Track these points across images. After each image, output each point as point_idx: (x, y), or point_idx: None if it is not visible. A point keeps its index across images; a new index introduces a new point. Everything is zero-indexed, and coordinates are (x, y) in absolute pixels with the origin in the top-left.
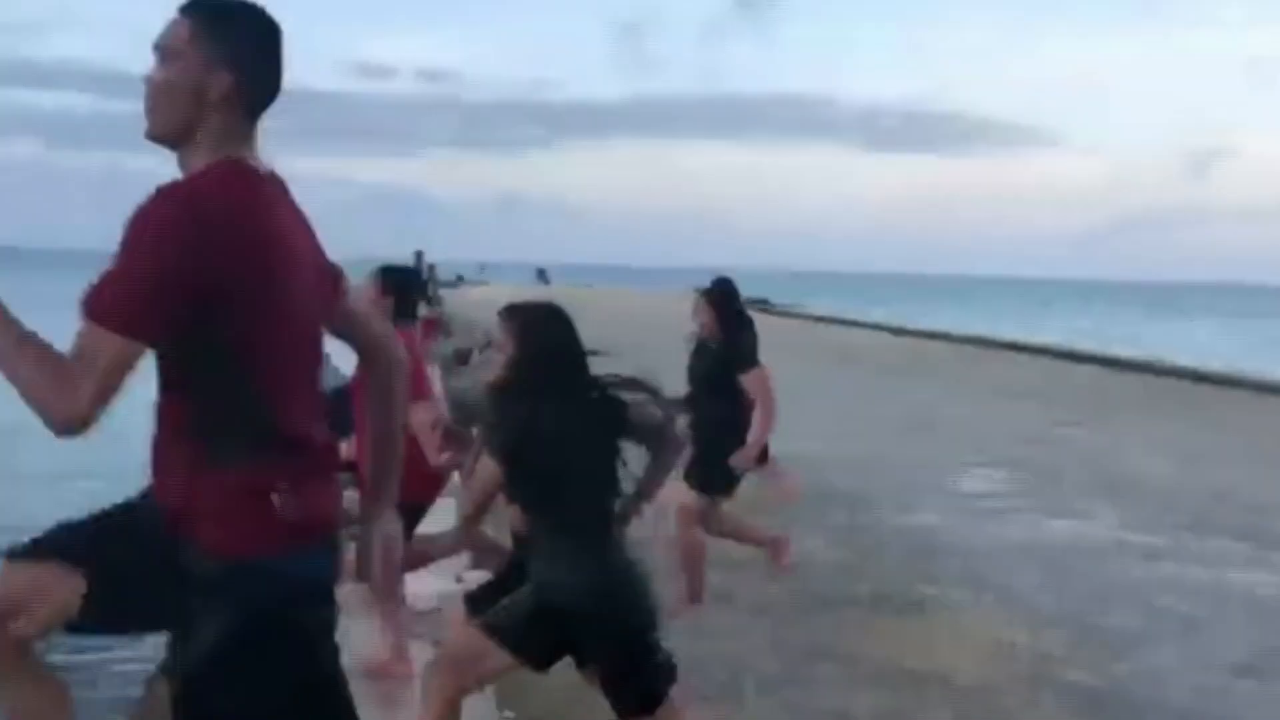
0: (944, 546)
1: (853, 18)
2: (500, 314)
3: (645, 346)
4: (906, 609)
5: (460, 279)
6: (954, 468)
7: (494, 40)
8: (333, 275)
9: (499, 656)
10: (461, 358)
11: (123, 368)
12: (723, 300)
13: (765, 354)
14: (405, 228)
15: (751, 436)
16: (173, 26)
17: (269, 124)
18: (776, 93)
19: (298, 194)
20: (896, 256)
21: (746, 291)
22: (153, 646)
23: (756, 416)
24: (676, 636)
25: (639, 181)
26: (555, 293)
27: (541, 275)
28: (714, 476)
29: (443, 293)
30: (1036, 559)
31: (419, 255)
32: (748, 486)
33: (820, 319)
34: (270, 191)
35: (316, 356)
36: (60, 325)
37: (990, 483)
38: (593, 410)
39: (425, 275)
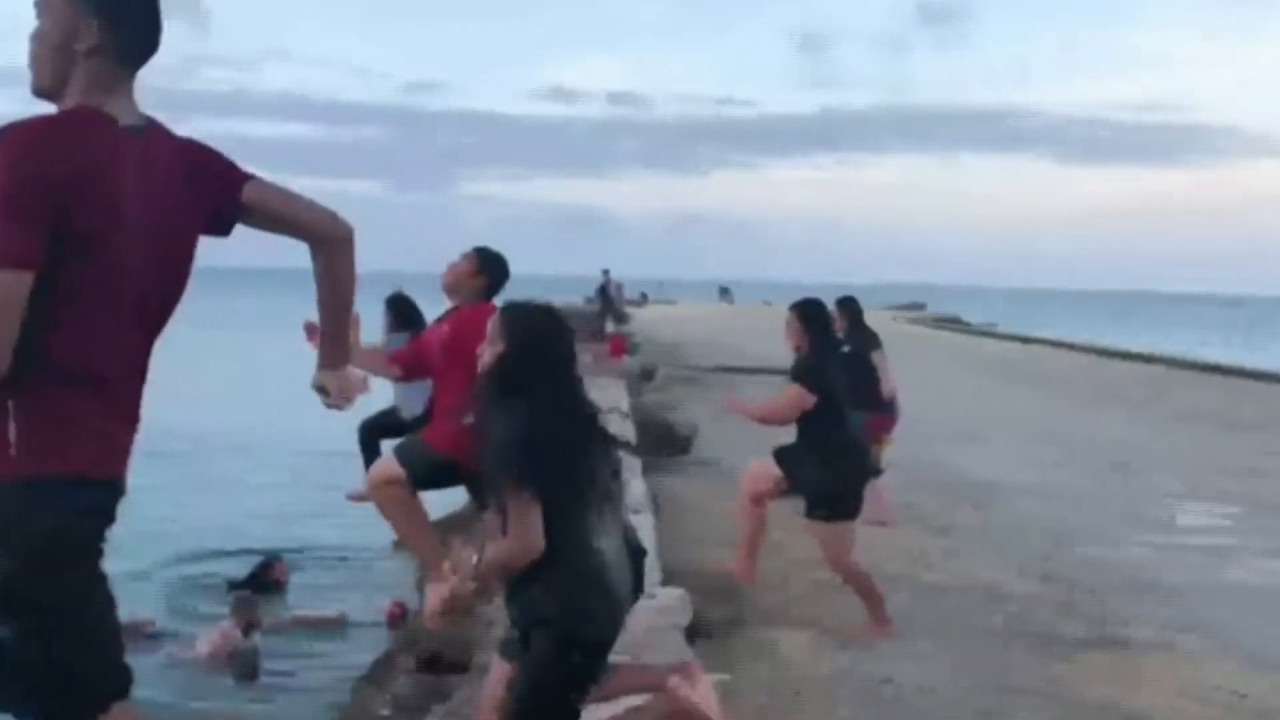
0: (1153, 583)
1: (1043, 26)
2: (498, 310)
3: None
4: (1115, 647)
5: (644, 297)
6: (1159, 499)
7: (678, 61)
8: (225, 189)
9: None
10: (647, 374)
11: (13, 302)
12: (810, 317)
13: (954, 374)
14: (593, 247)
15: (750, 405)
16: None
17: (485, 152)
18: (966, 105)
19: (494, 215)
20: (1097, 272)
21: (937, 308)
22: None
23: (767, 407)
24: (870, 662)
25: (823, 197)
26: (737, 309)
27: (724, 293)
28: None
29: (628, 310)
30: (1257, 601)
31: (606, 274)
32: None
33: (1011, 338)
34: (117, 143)
35: (138, 307)
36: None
37: (1200, 516)
38: (584, 416)
39: (612, 294)
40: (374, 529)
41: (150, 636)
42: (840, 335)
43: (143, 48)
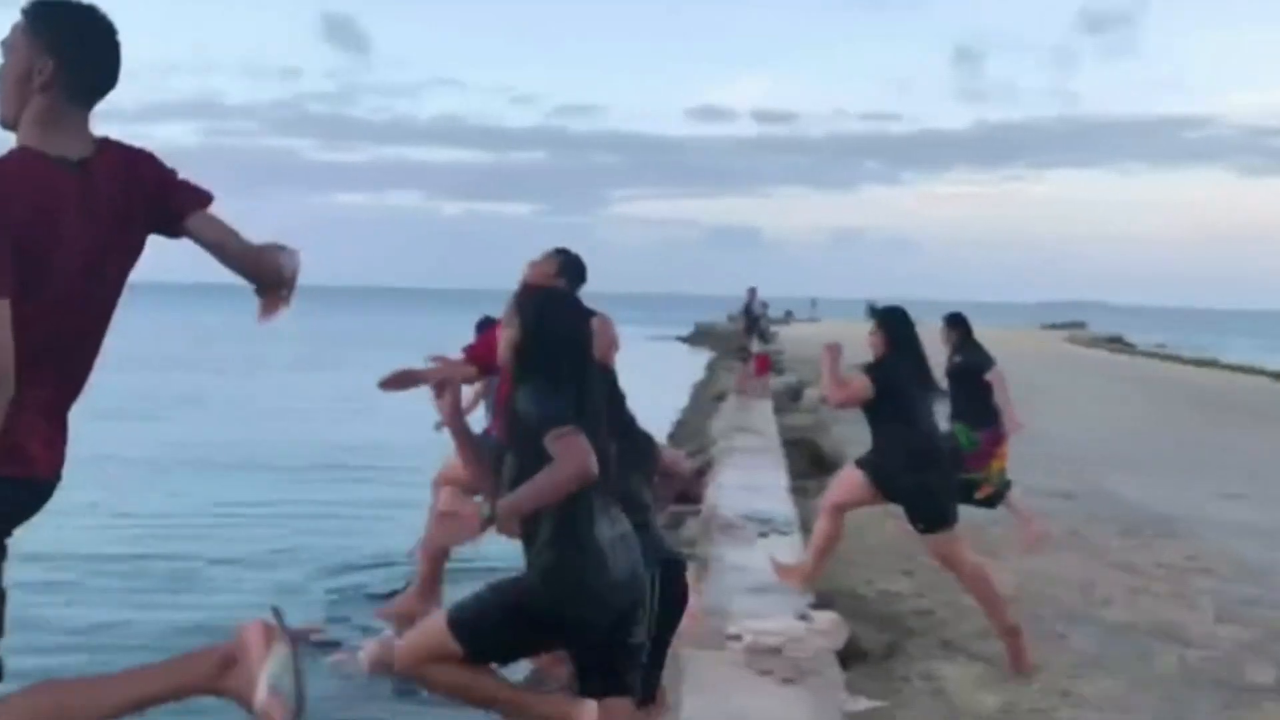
0: None
1: (1217, 29)
2: (513, 294)
3: None
4: None
5: (789, 315)
6: None
7: (828, 77)
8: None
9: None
10: (794, 394)
11: (6, 327)
12: (890, 325)
13: (1117, 397)
14: (745, 266)
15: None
16: (12, 24)
17: (636, 172)
18: (1136, 115)
19: (645, 235)
20: None
21: (1101, 327)
22: None
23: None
24: (1037, 699)
25: (980, 212)
26: None
27: (872, 310)
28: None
29: (774, 329)
30: None
31: (752, 292)
32: (996, 530)
33: (1191, 361)
34: (54, 182)
35: (72, 329)
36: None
37: None
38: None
39: (756, 311)
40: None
41: (318, 643)
42: (950, 349)
43: (97, 86)
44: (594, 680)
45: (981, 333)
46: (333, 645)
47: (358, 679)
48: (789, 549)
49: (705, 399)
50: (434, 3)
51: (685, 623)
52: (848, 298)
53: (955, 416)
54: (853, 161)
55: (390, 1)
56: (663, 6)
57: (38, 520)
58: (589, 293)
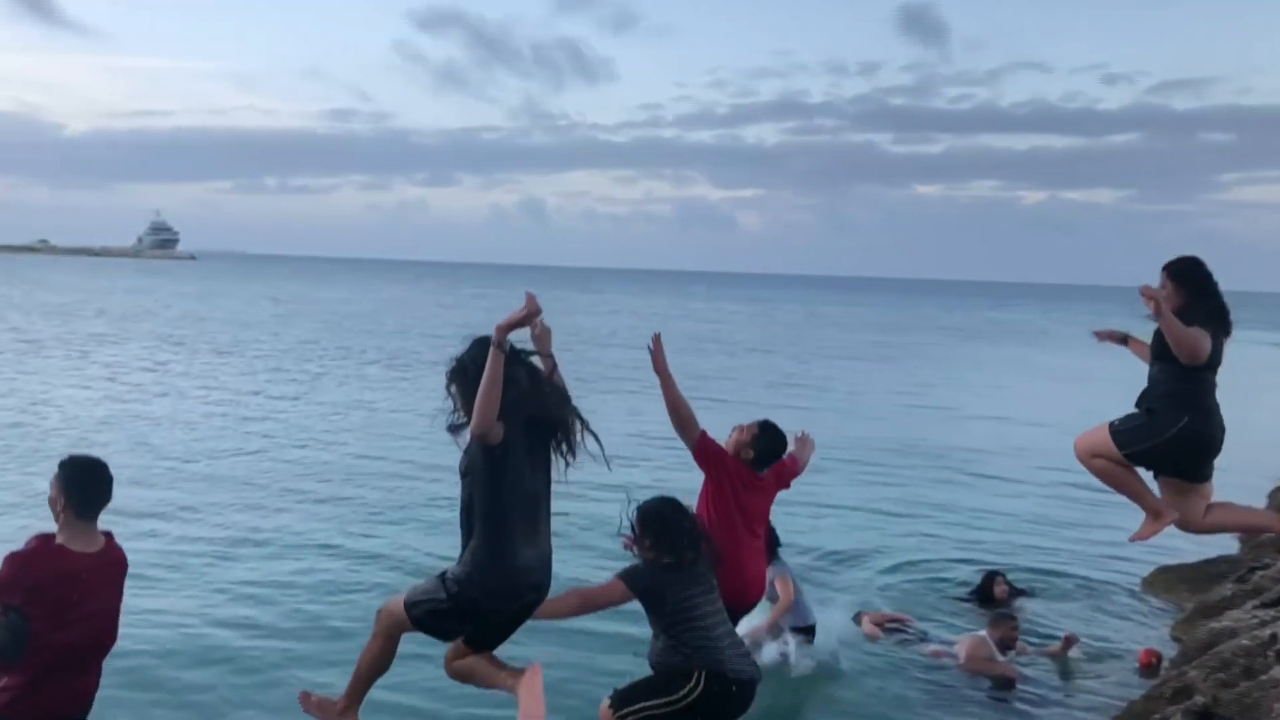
0: None
1: None
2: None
3: None
4: None
5: None
6: None
7: None
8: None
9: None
10: None
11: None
12: (1182, 276)
13: None
14: None
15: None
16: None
17: (1252, 154)
18: None
19: (1270, 223)
20: None
21: None
22: None
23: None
24: None
25: None
26: None
27: None
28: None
29: None
30: None
31: None
32: None
33: None
34: (75, 560)
35: (89, 647)
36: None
37: None
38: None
39: None
40: (1127, 565)
41: (908, 633)
42: None
43: (96, 505)
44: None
45: None
46: (924, 637)
47: (953, 674)
48: None
49: None
50: None
51: None
52: None
53: None
54: None
55: None
56: None
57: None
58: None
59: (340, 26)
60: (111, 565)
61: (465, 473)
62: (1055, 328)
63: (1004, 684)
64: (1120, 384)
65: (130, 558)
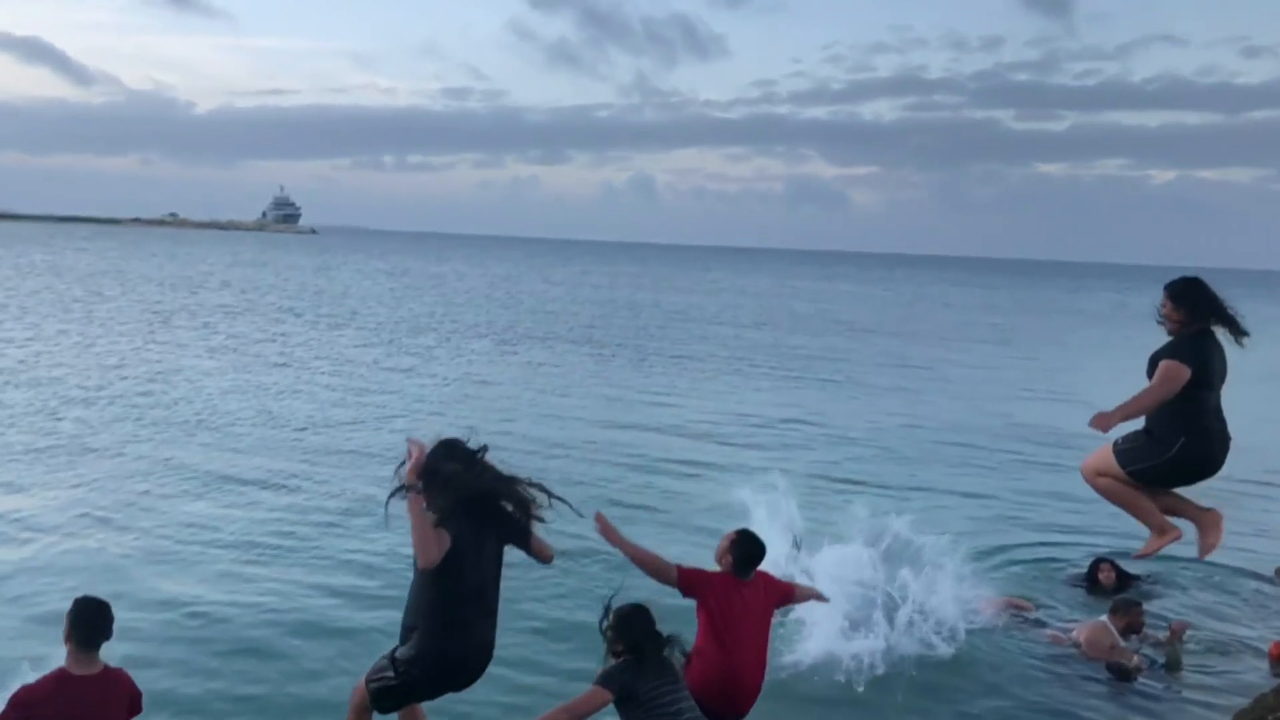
0: None
1: None
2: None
3: None
4: None
5: None
6: None
7: None
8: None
9: None
10: None
11: None
12: (1182, 296)
13: None
14: None
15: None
16: None
17: None
18: None
19: None
20: None
21: None
22: None
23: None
24: None
25: None
26: None
27: None
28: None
29: None
30: None
31: None
32: None
33: None
34: (78, 683)
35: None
36: None
37: None
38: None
39: None
40: (1258, 555)
41: (1026, 619)
42: None
43: (97, 640)
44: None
45: None
46: (1042, 624)
47: (1072, 659)
48: None
49: None
50: None
51: None
52: None
53: None
54: None
55: None
56: None
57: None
58: None
59: (454, 5)
60: (111, 684)
61: (415, 562)
62: None
63: (1124, 672)
64: (1239, 372)
65: (244, 527)
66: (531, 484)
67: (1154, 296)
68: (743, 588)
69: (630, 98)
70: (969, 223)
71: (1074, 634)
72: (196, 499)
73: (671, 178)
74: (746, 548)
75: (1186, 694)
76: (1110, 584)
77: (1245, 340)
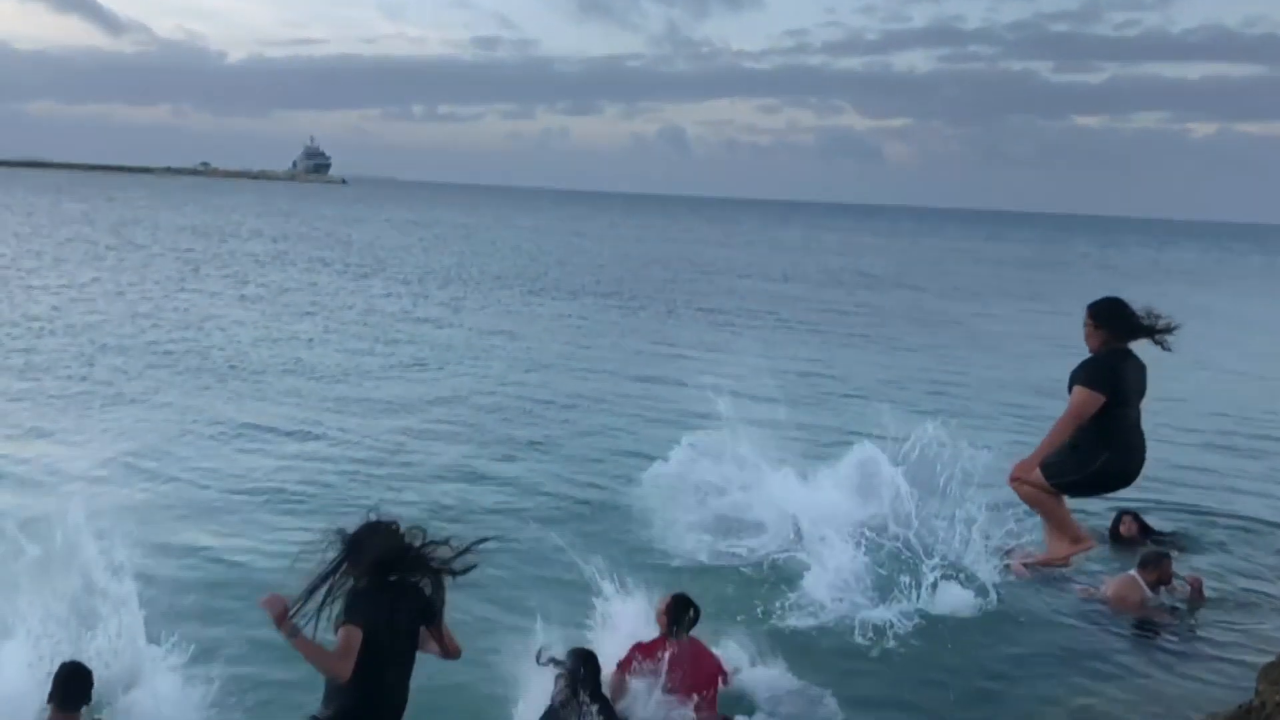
0: None
1: None
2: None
3: None
4: None
5: None
6: None
7: None
8: None
9: None
10: None
11: None
12: (1100, 317)
13: None
14: None
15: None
16: None
17: None
18: None
19: None
20: None
21: None
22: None
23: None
24: None
25: None
26: None
27: None
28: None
29: None
30: None
31: None
32: None
33: None
34: None
35: None
36: None
37: None
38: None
39: None
40: None
41: (1054, 573)
42: None
43: (77, 702)
44: None
45: None
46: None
47: (1098, 612)
48: None
49: None
50: None
51: None
52: None
53: None
54: None
55: None
56: None
57: None
58: None
59: None
60: None
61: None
62: (1220, 269)
63: (1152, 626)
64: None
65: (270, 474)
66: (451, 547)
67: (1191, 254)
68: (675, 645)
69: (661, 48)
70: (1004, 176)
71: (1103, 589)
72: (224, 445)
73: (702, 129)
74: (679, 610)
75: (1213, 650)
76: (1132, 535)
77: (1170, 341)
